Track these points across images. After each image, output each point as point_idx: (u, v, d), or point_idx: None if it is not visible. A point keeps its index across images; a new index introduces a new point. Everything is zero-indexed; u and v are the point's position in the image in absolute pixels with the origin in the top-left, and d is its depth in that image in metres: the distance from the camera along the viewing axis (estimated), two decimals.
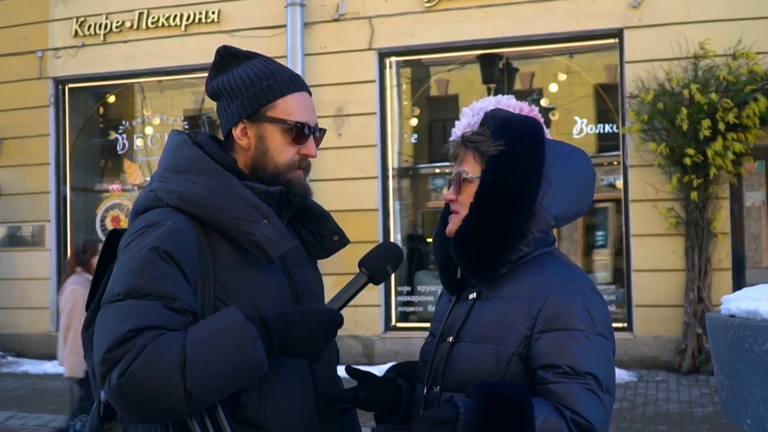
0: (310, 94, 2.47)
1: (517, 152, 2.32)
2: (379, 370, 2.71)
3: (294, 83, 2.40)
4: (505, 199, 2.29)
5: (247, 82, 2.36)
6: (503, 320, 2.28)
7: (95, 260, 6.83)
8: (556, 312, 2.22)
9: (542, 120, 2.75)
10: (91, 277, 6.66)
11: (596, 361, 2.20)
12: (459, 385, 2.28)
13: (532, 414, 2.11)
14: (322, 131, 2.48)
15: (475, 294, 2.40)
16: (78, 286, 7.63)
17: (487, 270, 2.32)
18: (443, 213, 2.53)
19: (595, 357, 2.20)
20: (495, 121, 2.40)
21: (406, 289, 12.53)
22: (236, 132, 2.37)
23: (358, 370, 2.48)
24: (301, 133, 2.37)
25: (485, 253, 2.31)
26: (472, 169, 2.37)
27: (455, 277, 2.49)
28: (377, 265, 2.39)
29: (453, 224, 2.39)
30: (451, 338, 2.38)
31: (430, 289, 12.44)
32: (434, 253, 2.56)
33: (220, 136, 2.49)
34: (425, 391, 2.42)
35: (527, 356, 2.24)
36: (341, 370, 2.50)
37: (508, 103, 3.12)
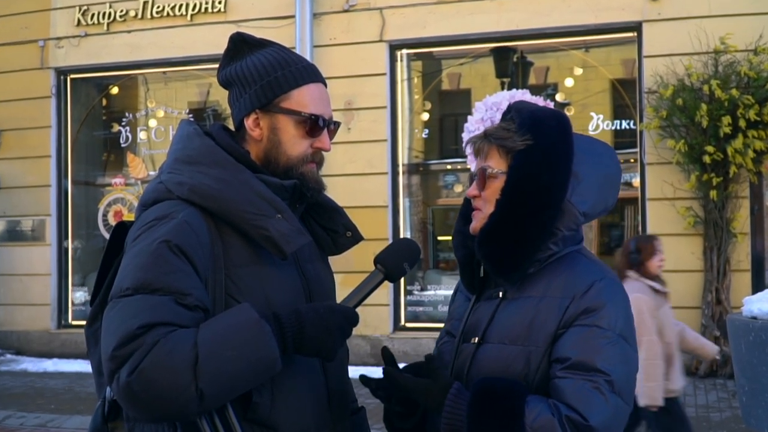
0: (326, 85, 2.46)
1: (545, 147, 2.28)
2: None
3: (309, 74, 2.39)
4: (534, 195, 2.26)
5: (261, 71, 2.35)
6: (533, 321, 2.25)
7: (654, 261, 6.41)
8: (583, 309, 2.20)
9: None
10: (651, 283, 6.27)
11: (611, 361, 2.15)
12: None
13: (522, 410, 2.09)
14: (337, 124, 2.47)
15: (501, 293, 2.37)
16: (641, 295, 6.15)
17: (515, 269, 2.29)
18: (463, 209, 2.50)
19: (610, 357, 2.16)
20: (521, 114, 2.37)
21: (416, 287, 12.53)
22: (248, 122, 2.36)
23: (392, 356, 2.39)
24: (316, 125, 2.36)
25: (513, 252, 2.27)
26: (497, 164, 2.34)
27: (476, 276, 2.45)
28: (394, 263, 2.37)
29: (477, 222, 2.35)
30: (476, 339, 2.35)
31: (441, 288, 12.44)
32: (455, 251, 2.51)
33: (231, 128, 2.48)
34: None
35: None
36: (357, 371, 2.47)
37: (522, 98, 3.09)
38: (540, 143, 2.29)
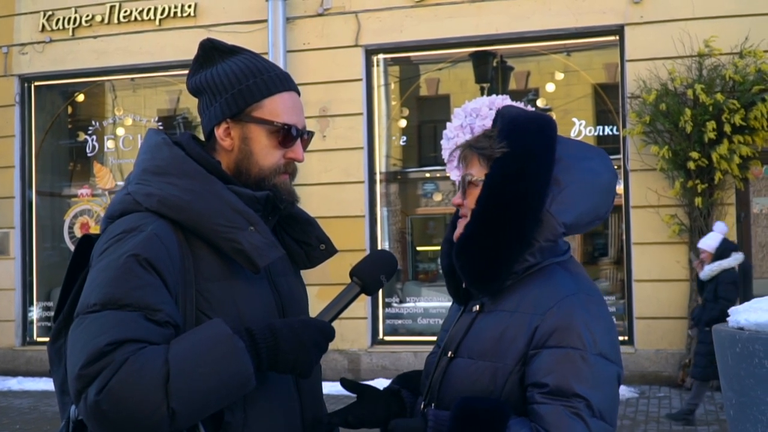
0: (299, 94, 2.45)
1: (521, 153, 2.27)
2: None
3: (282, 82, 2.39)
4: (509, 204, 2.24)
5: (232, 79, 2.34)
6: (502, 336, 2.24)
7: None
8: (554, 328, 2.17)
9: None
10: None
11: (590, 383, 2.14)
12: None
13: None
14: (310, 134, 2.46)
15: (478, 306, 2.37)
16: None
17: (490, 281, 2.29)
18: (453, 217, 2.49)
19: (588, 379, 2.14)
20: (503, 119, 2.36)
21: (395, 300, 12.53)
22: (219, 132, 2.36)
23: (354, 382, 2.45)
24: (288, 135, 2.36)
25: (487, 264, 2.26)
26: (477, 172, 2.33)
27: (461, 287, 2.45)
28: (370, 275, 2.37)
29: (459, 229, 2.35)
30: (450, 353, 2.36)
31: (420, 300, 12.45)
32: (441, 260, 2.51)
33: (201, 137, 2.47)
34: (422, 406, 2.40)
35: (524, 375, 2.21)
36: (334, 387, 2.48)
37: (502, 103, 3.09)
38: (516, 150, 2.27)
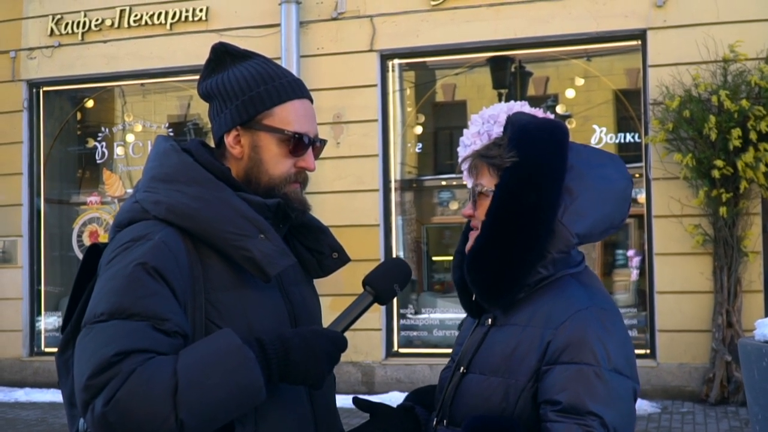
0: (312, 101, 2.46)
1: (531, 163, 2.26)
2: (381, 400, 2.70)
3: (294, 89, 2.40)
4: (520, 216, 2.23)
5: (243, 85, 2.35)
6: (515, 351, 2.24)
7: None
8: (567, 343, 2.17)
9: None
10: None
11: (604, 401, 2.13)
12: None
13: None
14: (323, 142, 2.47)
15: (490, 320, 2.37)
16: None
17: (501, 295, 2.28)
18: (465, 228, 2.49)
19: (602, 396, 2.13)
20: (513, 127, 2.36)
21: (410, 311, 12.52)
22: (228, 139, 2.37)
23: (367, 401, 2.45)
24: (299, 144, 2.36)
25: (498, 277, 2.26)
26: (488, 183, 2.33)
27: (473, 300, 2.45)
28: (383, 284, 2.38)
29: (471, 241, 2.35)
30: (463, 368, 2.36)
31: (436, 311, 12.43)
32: (452, 272, 2.51)
33: (211, 143, 2.48)
34: (435, 423, 2.40)
35: (536, 392, 2.20)
36: (347, 400, 2.49)
37: (521, 110, 3.08)
38: (526, 159, 2.26)
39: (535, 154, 2.27)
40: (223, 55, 2.43)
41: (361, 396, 2.45)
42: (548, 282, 2.31)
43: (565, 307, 2.23)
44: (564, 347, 2.17)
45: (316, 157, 2.44)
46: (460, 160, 2.65)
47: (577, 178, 2.27)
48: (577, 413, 2.12)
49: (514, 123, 2.37)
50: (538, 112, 2.96)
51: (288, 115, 2.36)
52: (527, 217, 2.23)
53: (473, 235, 2.36)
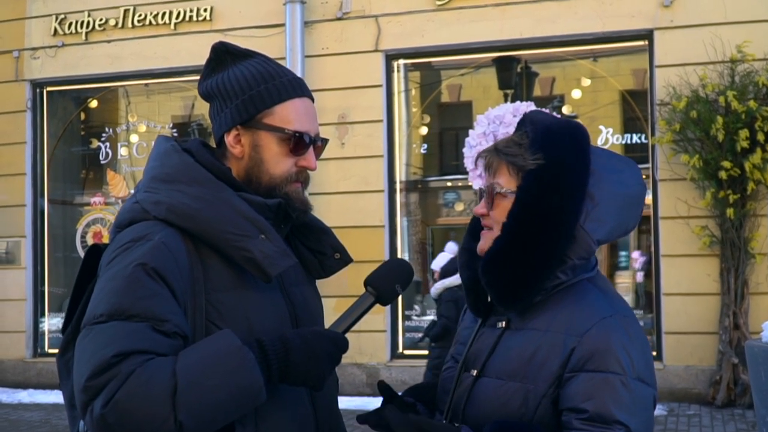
0: (313, 100, 2.46)
1: (557, 167, 2.22)
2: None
3: (294, 88, 2.39)
4: (542, 221, 2.20)
5: (243, 84, 2.35)
6: (534, 356, 2.22)
7: None
8: (592, 351, 2.16)
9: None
10: None
11: (629, 409, 2.13)
12: (481, 425, 2.22)
13: None
14: (324, 141, 2.46)
15: (504, 323, 2.35)
16: None
17: (519, 298, 2.26)
18: (470, 226, 2.46)
19: (628, 405, 2.13)
20: (535, 127, 2.30)
21: (415, 312, 12.51)
22: (229, 139, 2.36)
23: (390, 387, 2.42)
24: (300, 143, 2.36)
25: (517, 281, 2.23)
26: (507, 182, 2.29)
27: (482, 300, 2.42)
28: (385, 284, 2.36)
29: (485, 241, 2.32)
30: (475, 371, 2.33)
31: None
32: (460, 271, 2.47)
33: (212, 143, 2.48)
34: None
35: (558, 398, 2.19)
36: (352, 401, 2.47)
37: (526, 110, 3.04)
38: (552, 163, 2.23)
39: (560, 156, 2.24)
40: (223, 55, 2.43)
41: (377, 392, 2.41)
42: (565, 287, 2.29)
43: (589, 314, 2.22)
44: (590, 355, 2.16)
45: (318, 156, 2.43)
46: (467, 159, 2.63)
47: (597, 183, 2.25)
48: (603, 422, 2.11)
49: (536, 123, 2.32)
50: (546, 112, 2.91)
51: (288, 114, 2.36)
52: (550, 222, 2.21)
53: (487, 235, 2.33)
